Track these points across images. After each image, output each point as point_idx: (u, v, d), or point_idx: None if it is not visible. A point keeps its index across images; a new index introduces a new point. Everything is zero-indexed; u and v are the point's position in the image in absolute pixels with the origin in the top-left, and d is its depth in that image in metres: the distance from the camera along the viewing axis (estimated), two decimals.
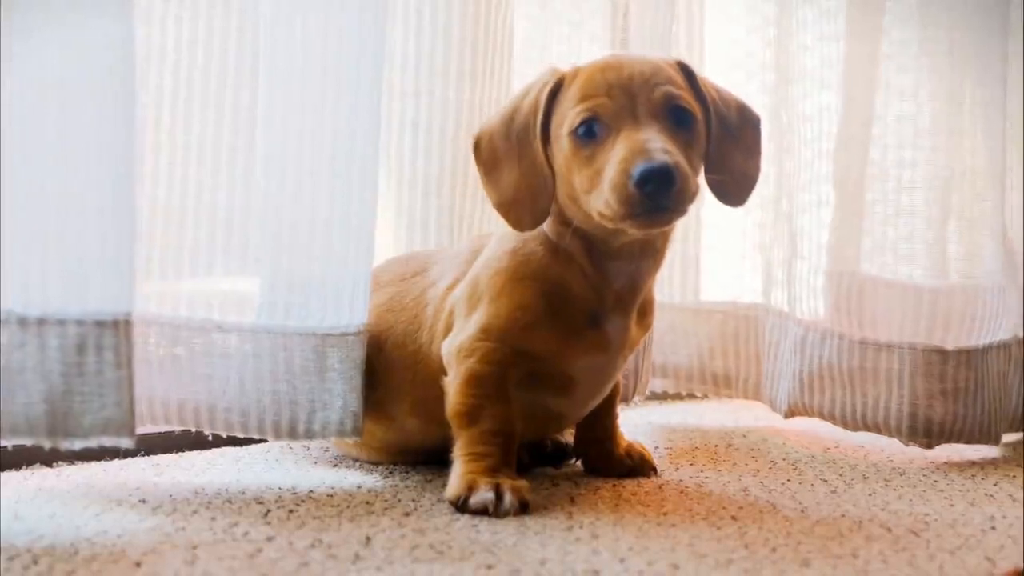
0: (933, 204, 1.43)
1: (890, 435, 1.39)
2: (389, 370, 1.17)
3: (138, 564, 0.86)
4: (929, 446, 1.38)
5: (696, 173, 1.06)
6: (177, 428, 1.16)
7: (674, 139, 1.03)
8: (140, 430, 1.24)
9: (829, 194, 1.46)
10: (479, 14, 1.38)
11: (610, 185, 1.00)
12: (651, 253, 1.11)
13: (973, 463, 1.35)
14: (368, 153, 1.14)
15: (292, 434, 1.14)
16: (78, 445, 0.97)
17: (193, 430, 1.16)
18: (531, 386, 1.12)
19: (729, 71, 1.62)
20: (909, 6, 1.43)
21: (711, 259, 1.64)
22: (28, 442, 0.97)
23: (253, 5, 1.15)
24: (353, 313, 1.14)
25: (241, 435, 1.15)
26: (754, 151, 1.14)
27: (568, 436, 1.28)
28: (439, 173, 1.37)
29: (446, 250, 1.26)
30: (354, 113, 1.13)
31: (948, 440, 1.38)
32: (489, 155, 1.11)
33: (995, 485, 1.23)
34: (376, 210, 1.16)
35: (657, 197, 0.98)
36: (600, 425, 1.23)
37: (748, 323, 1.56)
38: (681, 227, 1.59)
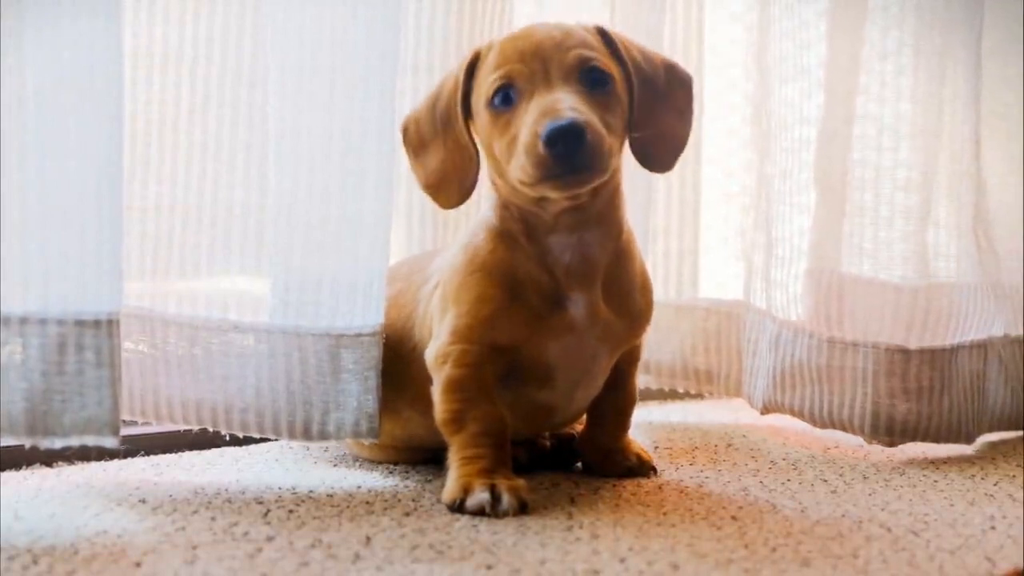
0: (906, 203, 1.43)
1: (854, 433, 1.39)
2: (393, 363, 1.17)
3: (138, 564, 0.86)
4: (892, 444, 1.38)
5: (615, 134, 1.06)
6: (195, 427, 1.16)
7: (589, 100, 1.03)
8: (142, 430, 1.26)
9: (809, 192, 1.46)
10: (464, 11, 1.38)
11: (523, 148, 1.01)
12: (594, 223, 1.10)
13: (973, 463, 1.35)
14: (383, 150, 1.14)
15: (307, 435, 1.14)
16: (59, 444, 0.98)
17: (196, 429, 1.16)
18: (513, 381, 1.12)
19: (726, 68, 1.62)
20: (891, 8, 1.43)
21: (700, 257, 1.64)
22: (9, 440, 0.98)
23: (267, 2, 1.15)
24: (368, 313, 1.14)
25: (257, 435, 1.16)
26: (685, 112, 1.14)
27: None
28: None
29: (445, 248, 1.26)
30: (367, 110, 1.13)
31: (912, 439, 1.38)
32: (416, 139, 1.13)
33: (995, 485, 1.23)
34: (391, 208, 1.16)
35: (568, 156, 0.99)
36: (607, 428, 1.22)
37: (730, 320, 1.57)
38: (672, 224, 1.61)
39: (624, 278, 1.14)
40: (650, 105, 1.11)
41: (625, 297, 1.14)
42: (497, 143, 1.06)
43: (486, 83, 1.06)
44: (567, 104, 1.01)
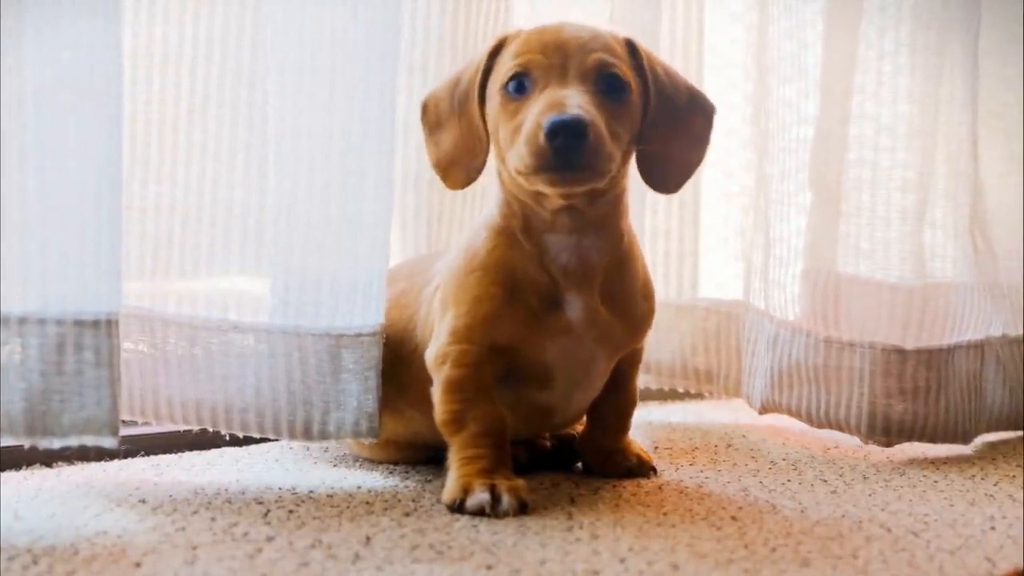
0: (903, 203, 1.43)
1: (851, 433, 1.40)
2: (395, 364, 1.17)
3: (138, 564, 0.86)
4: (888, 444, 1.39)
5: (620, 142, 1.06)
6: (195, 427, 1.16)
7: (600, 104, 1.04)
8: (142, 430, 1.26)
9: (805, 192, 1.46)
10: (459, 11, 1.38)
11: (524, 137, 1.02)
12: (593, 228, 1.10)
13: (973, 463, 1.35)
14: (383, 150, 1.14)
15: (307, 435, 1.15)
16: (57, 444, 0.98)
17: (197, 428, 1.16)
18: (512, 382, 1.12)
19: (726, 68, 1.62)
20: (888, 8, 1.43)
21: (700, 257, 1.64)
22: (8, 441, 0.98)
23: (267, 2, 1.15)
24: (367, 313, 1.14)
25: (257, 435, 1.16)
26: (701, 140, 1.15)
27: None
28: (417, 171, 1.36)
29: (448, 250, 1.26)
30: (367, 110, 1.13)
31: (909, 439, 1.38)
32: (434, 118, 1.14)
33: (995, 485, 1.23)
34: (392, 208, 1.16)
35: (567, 151, 0.99)
36: (607, 428, 1.22)
37: (730, 320, 1.57)
38: (672, 224, 1.61)
39: (625, 283, 1.14)
40: (664, 124, 1.11)
41: (626, 302, 1.14)
42: (503, 128, 1.06)
43: (504, 68, 1.07)
44: (575, 101, 1.01)
